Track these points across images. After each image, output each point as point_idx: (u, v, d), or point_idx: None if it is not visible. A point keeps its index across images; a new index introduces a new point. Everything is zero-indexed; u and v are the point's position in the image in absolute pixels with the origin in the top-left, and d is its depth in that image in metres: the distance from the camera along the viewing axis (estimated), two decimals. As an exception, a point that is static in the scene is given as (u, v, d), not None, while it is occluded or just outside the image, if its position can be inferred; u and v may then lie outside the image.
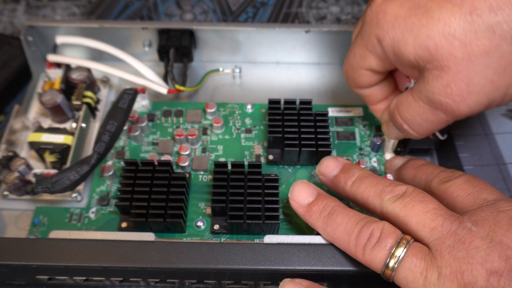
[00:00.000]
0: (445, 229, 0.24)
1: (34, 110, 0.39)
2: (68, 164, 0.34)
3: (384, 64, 0.30)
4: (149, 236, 0.30)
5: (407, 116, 0.29)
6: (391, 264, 0.24)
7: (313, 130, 0.35)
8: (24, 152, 0.37)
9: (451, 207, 0.26)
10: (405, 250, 0.24)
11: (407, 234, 0.25)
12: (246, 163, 0.34)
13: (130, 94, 0.35)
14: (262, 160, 0.37)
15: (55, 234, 0.30)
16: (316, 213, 0.28)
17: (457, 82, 0.25)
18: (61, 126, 0.37)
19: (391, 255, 0.24)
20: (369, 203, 0.28)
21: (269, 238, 0.29)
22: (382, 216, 0.27)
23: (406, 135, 0.31)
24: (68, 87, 0.38)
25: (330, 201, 0.28)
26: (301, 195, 0.29)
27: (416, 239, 0.25)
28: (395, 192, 0.26)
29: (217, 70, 0.42)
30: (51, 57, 0.39)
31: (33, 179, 0.34)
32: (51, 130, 0.36)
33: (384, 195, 0.27)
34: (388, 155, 0.37)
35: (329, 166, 0.31)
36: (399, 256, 0.24)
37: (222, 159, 0.37)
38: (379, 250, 0.25)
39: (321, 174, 0.32)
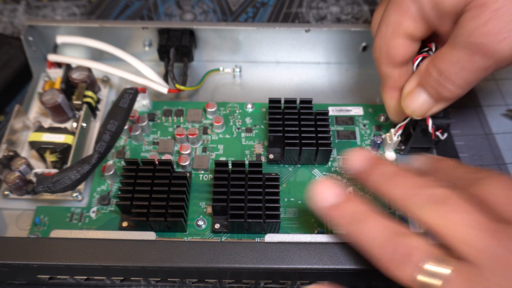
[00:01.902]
0: (494, 250, 0.20)
1: (35, 110, 0.39)
2: (68, 163, 0.34)
3: (420, 25, 0.28)
4: (150, 235, 0.30)
5: (443, 66, 0.27)
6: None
7: (313, 129, 0.35)
8: (24, 152, 0.37)
9: (490, 209, 0.22)
10: (447, 273, 0.21)
11: (448, 249, 0.22)
12: (246, 162, 0.34)
13: (131, 93, 0.35)
14: (263, 159, 0.37)
15: (56, 233, 0.30)
16: (343, 217, 0.26)
17: (497, 19, 0.23)
18: (62, 125, 0.37)
19: (431, 278, 0.22)
20: (400, 205, 0.24)
21: (270, 237, 0.29)
22: (416, 221, 0.24)
23: (441, 92, 0.29)
24: (69, 87, 0.38)
25: (360, 204, 0.25)
26: (326, 194, 0.26)
27: (458, 255, 0.22)
28: (432, 197, 0.23)
29: (218, 69, 0.42)
30: (52, 57, 0.39)
31: (33, 179, 0.34)
32: (52, 130, 0.36)
33: (417, 198, 0.23)
34: (389, 154, 0.37)
35: (358, 159, 0.27)
36: (435, 284, 0.21)
37: (222, 159, 0.37)
38: (415, 271, 0.22)
39: (349, 167, 0.28)
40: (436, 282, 0.21)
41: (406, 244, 0.23)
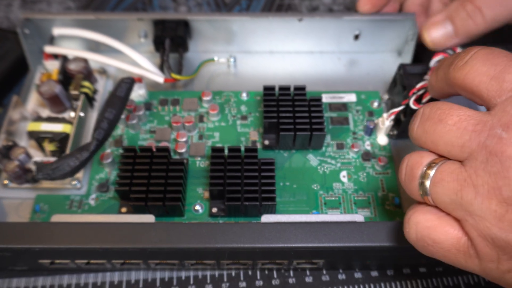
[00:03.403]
0: (474, 144, 0.21)
1: (33, 101, 0.40)
2: (67, 152, 0.35)
3: None
4: (149, 218, 0.30)
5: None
6: (424, 193, 0.24)
7: (307, 114, 0.36)
8: (23, 141, 0.37)
9: (478, 100, 0.23)
10: (431, 176, 0.23)
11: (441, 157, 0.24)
12: (242, 148, 0.34)
13: (128, 83, 0.36)
14: (258, 145, 0.37)
15: (56, 218, 0.30)
16: None
17: None
18: (60, 116, 0.38)
19: (421, 185, 0.24)
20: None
21: (266, 218, 0.30)
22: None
23: (468, 25, 0.34)
24: (66, 78, 0.39)
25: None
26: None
27: (448, 157, 0.23)
28: (415, 122, 0.25)
29: (212, 59, 0.43)
30: (48, 49, 0.40)
31: (33, 167, 0.35)
32: (50, 120, 0.36)
33: (410, 126, 0.25)
34: (381, 139, 0.37)
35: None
36: (427, 185, 0.23)
37: (219, 145, 0.37)
38: (411, 183, 0.24)
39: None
40: (427, 182, 0.23)
41: (402, 164, 0.25)
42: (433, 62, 0.32)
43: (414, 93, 0.34)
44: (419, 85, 0.33)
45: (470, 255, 0.22)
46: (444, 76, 0.26)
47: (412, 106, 0.33)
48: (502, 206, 0.20)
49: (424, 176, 0.23)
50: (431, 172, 0.23)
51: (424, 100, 0.33)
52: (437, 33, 0.36)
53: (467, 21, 0.35)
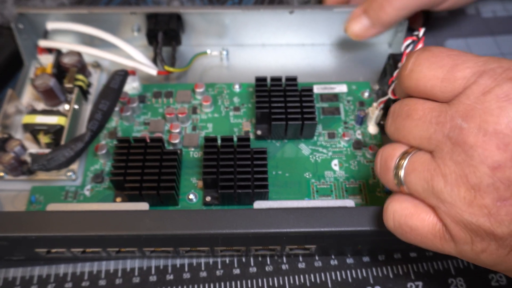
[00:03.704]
0: (439, 135, 0.22)
1: (27, 95, 0.40)
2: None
3: None
4: (143, 206, 0.31)
5: None
6: (400, 183, 0.24)
7: (298, 104, 0.36)
8: (19, 134, 0.38)
9: (435, 99, 0.24)
10: (404, 166, 0.24)
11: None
12: (235, 138, 0.35)
13: (121, 75, 0.36)
14: (251, 136, 0.38)
15: (52, 207, 0.31)
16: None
17: None
18: (54, 109, 0.38)
19: (396, 176, 0.25)
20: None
21: (259, 204, 0.31)
22: None
23: (380, 15, 0.37)
24: (60, 72, 0.39)
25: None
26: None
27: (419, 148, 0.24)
28: (388, 120, 0.26)
29: (205, 52, 0.44)
30: (42, 43, 0.40)
31: (28, 159, 0.35)
32: (45, 112, 0.37)
33: (385, 124, 0.27)
34: (372, 128, 0.38)
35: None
36: (401, 175, 0.24)
37: (212, 135, 0.38)
38: (386, 174, 0.25)
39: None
40: (401, 172, 0.24)
41: (376, 157, 0.26)
42: (403, 46, 0.33)
43: (392, 82, 0.34)
44: (395, 74, 0.34)
45: (445, 239, 0.23)
46: (399, 87, 0.26)
47: (390, 96, 0.34)
48: (470, 192, 0.21)
49: (397, 166, 0.24)
50: (404, 163, 0.24)
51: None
52: (356, 27, 0.39)
53: (379, 12, 0.37)
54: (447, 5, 0.40)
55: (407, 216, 0.24)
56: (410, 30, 0.42)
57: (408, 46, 0.32)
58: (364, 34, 0.39)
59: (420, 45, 0.31)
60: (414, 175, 0.23)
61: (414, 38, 0.32)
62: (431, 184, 0.22)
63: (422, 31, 0.31)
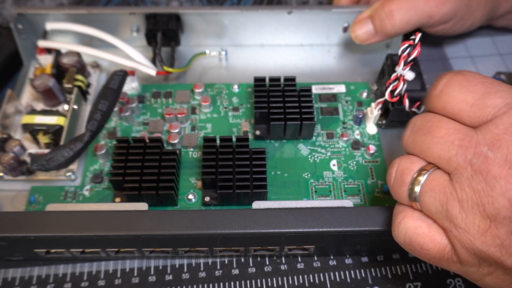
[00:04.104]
0: (460, 159, 0.22)
1: (27, 95, 0.40)
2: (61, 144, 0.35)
3: None
4: (142, 206, 0.31)
5: (392, 8, 0.37)
6: (413, 199, 0.24)
7: (297, 104, 0.36)
8: (18, 134, 0.38)
9: (461, 122, 0.23)
10: (421, 184, 0.24)
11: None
12: (234, 138, 0.35)
13: (120, 75, 0.36)
14: (250, 136, 0.38)
15: (51, 207, 0.31)
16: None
17: None
18: (54, 109, 0.38)
19: (410, 191, 0.24)
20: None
21: (257, 204, 0.31)
22: None
23: (384, 27, 0.38)
24: (59, 72, 0.39)
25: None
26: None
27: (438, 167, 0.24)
28: (407, 131, 0.26)
29: (204, 53, 0.44)
30: (42, 43, 0.40)
31: (27, 159, 0.35)
32: (44, 112, 0.37)
33: (403, 134, 0.26)
34: (370, 128, 0.38)
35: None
36: (417, 192, 0.24)
37: (211, 135, 0.38)
38: (400, 187, 0.25)
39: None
40: (417, 189, 0.24)
41: (391, 168, 0.25)
42: (400, 50, 0.33)
43: (390, 84, 0.34)
44: (393, 76, 0.34)
45: (453, 261, 0.24)
46: (425, 106, 0.26)
47: (387, 98, 0.34)
48: (485, 222, 0.21)
49: (414, 182, 0.24)
50: (422, 179, 0.24)
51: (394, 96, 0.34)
52: (360, 31, 0.39)
53: (384, 22, 0.38)
54: (437, 30, 0.41)
55: (420, 236, 0.24)
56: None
57: (405, 50, 0.32)
58: (367, 40, 0.39)
59: (417, 50, 0.31)
60: (430, 195, 0.23)
61: (411, 42, 0.32)
62: (445, 207, 0.22)
63: (418, 36, 0.31)
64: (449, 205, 0.22)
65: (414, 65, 0.37)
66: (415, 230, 0.24)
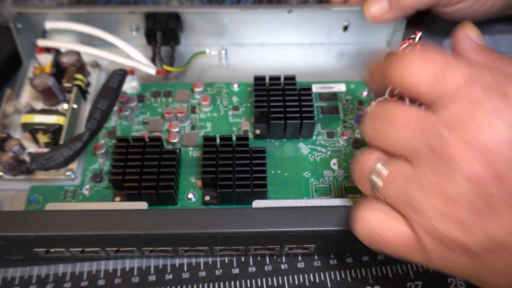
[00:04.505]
0: (419, 143, 0.21)
1: (26, 95, 0.40)
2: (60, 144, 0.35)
3: None
4: (142, 205, 0.31)
5: None
6: (375, 189, 0.24)
7: (297, 103, 0.36)
8: (17, 134, 0.38)
9: (419, 98, 0.23)
10: (381, 174, 0.24)
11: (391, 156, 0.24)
12: (234, 137, 0.35)
13: (120, 74, 0.36)
14: (250, 135, 0.38)
15: (51, 206, 0.31)
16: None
17: None
18: (53, 108, 0.38)
19: (372, 182, 0.24)
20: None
21: (257, 203, 0.30)
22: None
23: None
24: (59, 71, 0.39)
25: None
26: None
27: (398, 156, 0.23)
28: (365, 122, 0.25)
29: (204, 52, 0.44)
30: (41, 42, 0.40)
31: (27, 159, 0.35)
32: (44, 112, 0.37)
33: (362, 125, 0.26)
34: (371, 127, 0.38)
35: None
36: (378, 182, 0.24)
37: (210, 134, 0.38)
38: (362, 179, 0.25)
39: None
40: (379, 182, 0.24)
41: (355, 162, 0.26)
42: (400, 50, 0.33)
43: None
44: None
45: (416, 250, 0.23)
46: (379, 75, 0.25)
47: (387, 97, 0.34)
48: (446, 204, 0.21)
49: (375, 172, 0.24)
50: (382, 170, 0.24)
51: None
52: (374, 8, 0.39)
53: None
54: (456, 9, 0.39)
55: (380, 226, 0.24)
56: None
57: (404, 49, 0.32)
58: (382, 17, 0.39)
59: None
60: (391, 183, 0.23)
61: (411, 41, 0.32)
62: (408, 193, 0.22)
63: (418, 35, 0.31)
64: (411, 191, 0.22)
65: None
66: (375, 222, 0.24)
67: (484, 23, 0.46)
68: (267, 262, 0.34)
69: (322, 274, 0.33)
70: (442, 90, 0.21)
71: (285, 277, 0.33)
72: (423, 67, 0.22)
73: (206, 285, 0.33)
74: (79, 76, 0.39)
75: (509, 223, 0.20)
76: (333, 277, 0.33)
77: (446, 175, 0.20)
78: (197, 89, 0.40)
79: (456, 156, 0.20)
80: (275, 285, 0.33)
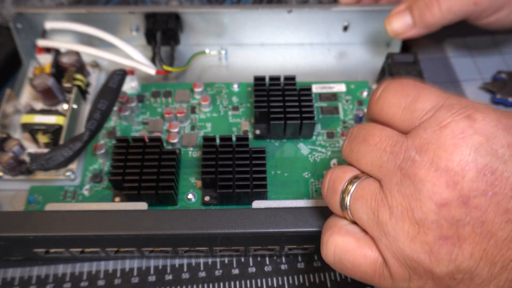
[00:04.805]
0: (391, 165, 0.22)
1: (26, 95, 0.40)
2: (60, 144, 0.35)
3: None
4: (142, 206, 0.31)
5: None
6: (344, 208, 0.24)
7: (297, 104, 0.36)
8: (17, 134, 0.38)
9: (395, 129, 0.23)
10: (352, 191, 0.23)
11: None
12: (233, 138, 0.35)
13: (120, 74, 0.36)
14: (250, 135, 0.38)
15: (51, 207, 0.31)
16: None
17: None
18: (53, 108, 0.38)
19: (342, 200, 0.24)
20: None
21: (257, 204, 0.30)
22: None
23: (424, 16, 0.36)
24: (59, 71, 0.39)
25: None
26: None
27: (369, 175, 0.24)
28: (345, 141, 0.26)
29: (204, 52, 0.44)
30: (41, 42, 0.40)
31: (27, 159, 0.35)
32: (44, 112, 0.37)
33: (342, 145, 0.26)
34: (370, 127, 0.38)
35: None
36: (347, 200, 0.24)
37: (210, 135, 0.38)
38: (333, 197, 0.25)
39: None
40: (347, 198, 0.24)
41: (325, 177, 0.25)
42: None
43: None
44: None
45: (384, 276, 0.23)
46: (367, 113, 0.26)
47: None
48: (414, 227, 0.21)
49: (345, 191, 0.24)
50: (352, 188, 0.24)
51: None
52: (397, 24, 0.37)
53: (424, 12, 0.36)
54: (489, 21, 0.38)
55: (349, 251, 0.23)
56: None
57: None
58: (404, 33, 0.38)
59: None
60: (361, 203, 0.23)
61: None
62: (376, 214, 0.22)
63: None
64: (380, 211, 0.22)
65: (415, 64, 0.37)
66: (343, 245, 0.24)
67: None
68: (267, 262, 0.34)
69: (322, 274, 0.33)
70: (412, 117, 0.22)
71: (285, 278, 0.33)
72: (395, 99, 0.23)
73: (206, 285, 0.33)
74: (79, 76, 0.39)
75: (477, 251, 0.20)
76: (333, 278, 0.33)
77: (414, 198, 0.21)
78: (197, 89, 0.40)
79: (424, 179, 0.20)
80: (275, 285, 0.33)
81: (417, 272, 0.21)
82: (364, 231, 0.24)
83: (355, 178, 0.24)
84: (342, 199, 0.24)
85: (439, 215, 0.20)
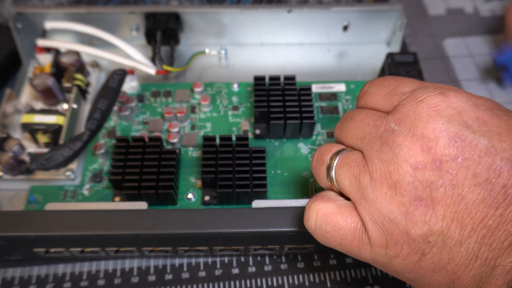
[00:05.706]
0: (372, 135, 0.24)
1: (26, 94, 0.40)
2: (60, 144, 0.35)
3: None
4: (142, 205, 0.31)
5: None
6: (330, 176, 0.26)
7: (297, 103, 0.36)
8: (17, 134, 0.38)
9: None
10: (337, 160, 0.25)
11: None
12: (233, 137, 0.35)
13: (120, 74, 0.36)
14: (250, 135, 0.38)
15: (50, 206, 0.31)
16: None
17: None
18: (53, 108, 0.38)
19: (328, 169, 0.26)
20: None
21: (257, 203, 0.30)
22: None
23: None
24: (59, 71, 0.39)
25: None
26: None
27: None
28: (337, 124, 0.28)
29: (204, 52, 0.44)
30: (41, 42, 0.40)
31: (27, 159, 0.35)
32: (43, 112, 0.37)
33: (334, 130, 0.29)
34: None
35: None
36: (333, 168, 0.25)
37: (210, 134, 0.38)
38: (320, 167, 0.26)
39: None
40: (333, 166, 0.25)
41: (322, 148, 0.27)
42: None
43: None
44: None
45: (363, 242, 0.24)
46: (356, 106, 0.29)
47: None
48: (392, 189, 0.22)
49: (331, 159, 0.26)
50: (338, 157, 0.25)
51: None
52: None
53: None
54: None
55: (330, 215, 0.25)
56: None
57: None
58: None
59: None
60: (345, 169, 0.25)
61: None
62: (358, 179, 0.24)
63: None
64: (361, 176, 0.23)
65: (415, 63, 0.37)
66: (325, 210, 0.25)
67: (485, 24, 0.47)
68: (267, 262, 0.34)
69: (322, 274, 0.33)
70: (392, 99, 0.25)
71: (285, 277, 0.33)
72: (378, 90, 0.26)
73: (206, 285, 0.33)
74: (79, 76, 0.39)
75: (449, 213, 0.21)
76: (333, 277, 0.33)
77: (392, 161, 0.22)
78: (197, 89, 0.40)
79: (401, 144, 0.22)
80: (275, 285, 0.33)
81: (393, 236, 0.22)
82: (348, 200, 0.25)
83: (341, 150, 0.26)
84: (329, 167, 0.26)
85: (414, 176, 0.21)
